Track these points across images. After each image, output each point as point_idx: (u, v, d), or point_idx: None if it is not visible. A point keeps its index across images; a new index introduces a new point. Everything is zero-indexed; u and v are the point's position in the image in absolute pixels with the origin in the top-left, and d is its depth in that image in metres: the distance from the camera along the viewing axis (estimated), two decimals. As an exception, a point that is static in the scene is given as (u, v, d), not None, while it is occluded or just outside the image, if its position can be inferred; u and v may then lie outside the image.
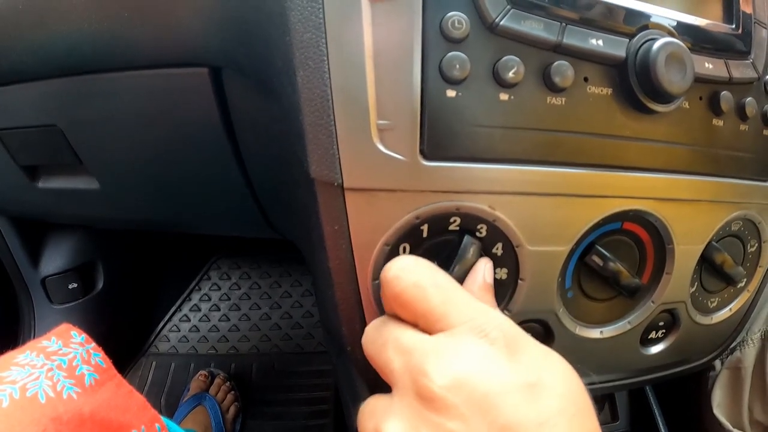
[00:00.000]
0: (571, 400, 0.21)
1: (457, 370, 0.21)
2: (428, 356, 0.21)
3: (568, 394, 0.21)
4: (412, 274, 0.24)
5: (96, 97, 0.41)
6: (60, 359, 0.35)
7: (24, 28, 0.38)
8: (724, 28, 0.31)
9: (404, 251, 0.27)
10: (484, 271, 0.27)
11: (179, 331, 0.99)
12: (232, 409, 0.84)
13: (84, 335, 0.38)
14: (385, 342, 0.24)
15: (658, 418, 0.47)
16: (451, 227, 0.27)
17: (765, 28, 0.33)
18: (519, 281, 0.29)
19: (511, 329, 0.23)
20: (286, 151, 0.29)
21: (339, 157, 0.25)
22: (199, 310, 1.01)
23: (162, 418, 0.38)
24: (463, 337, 0.22)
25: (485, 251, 0.28)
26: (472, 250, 0.27)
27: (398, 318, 0.25)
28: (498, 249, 0.28)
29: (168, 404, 0.86)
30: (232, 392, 0.86)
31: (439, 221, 0.27)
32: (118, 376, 0.37)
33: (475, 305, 0.23)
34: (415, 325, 0.24)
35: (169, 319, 0.99)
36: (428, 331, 0.23)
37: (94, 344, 0.38)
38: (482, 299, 0.25)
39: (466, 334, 0.22)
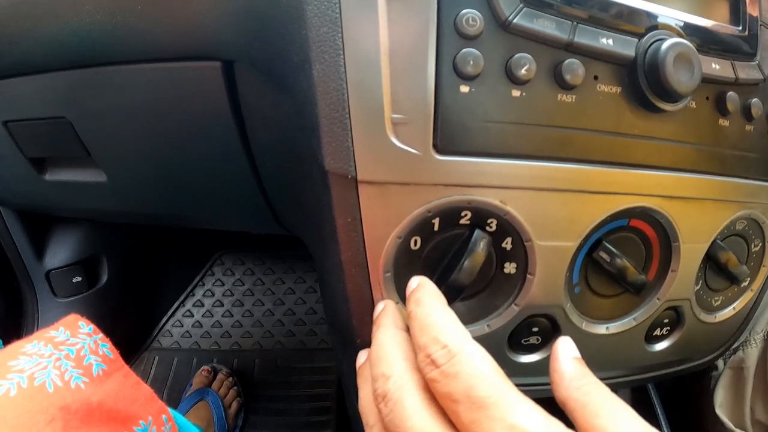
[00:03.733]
0: None
1: None
2: None
3: None
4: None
5: (106, 89, 0.41)
6: (68, 349, 0.35)
7: (35, 18, 0.38)
8: (731, 29, 0.32)
9: (415, 244, 0.27)
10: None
11: (182, 326, 0.99)
12: (234, 405, 0.84)
13: (92, 326, 0.38)
14: None
15: (661, 417, 0.47)
16: (462, 221, 0.27)
17: (771, 30, 0.33)
18: (528, 276, 0.29)
19: None
20: (299, 144, 0.29)
21: (353, 150, 0.25)
22: (203, 305, 1.01)
23: (169, 409, 0.39)
24: None
25: (495, 246, 0.28)
26: (482, 244, 0.27)
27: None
28: (507, 243, 0.28)
29: (170, 399, 0.86)
30: (235, 388, 0.86)
31: (450, 215, 0.27)
32: (126, 367, 0.38)
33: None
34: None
35: (173, 315, 0.99)
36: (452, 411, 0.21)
37: (101, 335, 0.38)
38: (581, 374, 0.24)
39: None
